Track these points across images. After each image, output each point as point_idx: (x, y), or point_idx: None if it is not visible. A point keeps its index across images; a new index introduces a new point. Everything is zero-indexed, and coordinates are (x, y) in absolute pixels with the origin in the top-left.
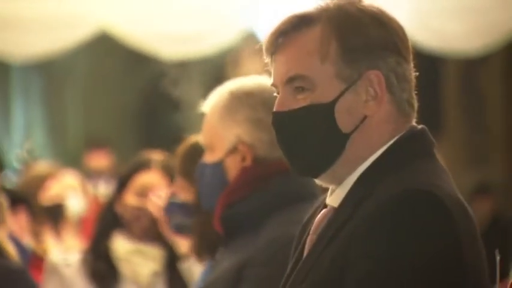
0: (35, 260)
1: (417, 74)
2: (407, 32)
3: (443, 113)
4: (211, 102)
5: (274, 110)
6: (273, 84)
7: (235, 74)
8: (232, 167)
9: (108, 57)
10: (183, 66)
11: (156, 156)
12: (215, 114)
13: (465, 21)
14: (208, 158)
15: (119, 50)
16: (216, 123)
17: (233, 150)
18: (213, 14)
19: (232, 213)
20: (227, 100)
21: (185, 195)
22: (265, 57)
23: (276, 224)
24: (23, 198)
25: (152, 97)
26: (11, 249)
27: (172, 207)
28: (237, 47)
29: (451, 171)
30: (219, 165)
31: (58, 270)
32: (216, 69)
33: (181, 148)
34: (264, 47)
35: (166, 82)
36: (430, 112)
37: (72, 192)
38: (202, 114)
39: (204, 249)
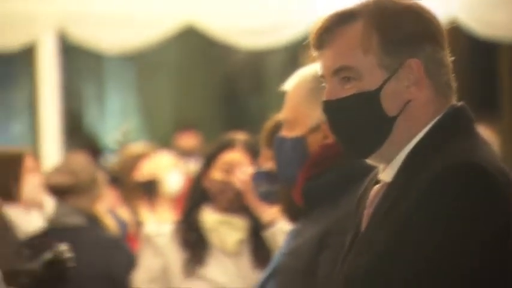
0: (131, 231)
1: (469, 59)
2: (463, 23)
3: (499, 95)
4: (295, 82)
5: (324, 99)
6: (321, 76)
7: (309, 62)
8: (314, 143)
9: (195, 49)
10: (262, 56)
11: (239, 136)
12: (300, 93)
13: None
14: (288, 132)
15: (204, 42)
16: (301, 101)
17: (316, 128)
18: (286, 9)
19: (314, 185)
20: (311, 82)
21: (270, 164)
22: (312, 52)
23: (353, 195)
24: (117, 176)
25: (235, 83)
26: (111, 222)
27: (259, 176)
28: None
29: (508, 149)
30: (301, 140)
31: (152, 240)
32: (290, 57)
33: (268, 123)
34: (311, 43)
35: (247, 70)
36: (487, 94)
37: (172, 170)
38: (281, 96)
39: (293, 213)
